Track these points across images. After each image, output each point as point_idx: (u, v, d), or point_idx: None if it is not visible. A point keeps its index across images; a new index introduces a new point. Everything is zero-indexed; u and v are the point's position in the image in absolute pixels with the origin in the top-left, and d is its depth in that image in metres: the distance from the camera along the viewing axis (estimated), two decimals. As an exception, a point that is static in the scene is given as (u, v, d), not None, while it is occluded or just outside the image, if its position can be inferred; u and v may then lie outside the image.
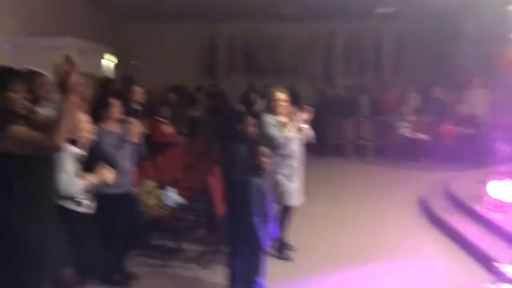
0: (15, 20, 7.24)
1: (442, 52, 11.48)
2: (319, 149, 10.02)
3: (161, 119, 6.50)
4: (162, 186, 5.04)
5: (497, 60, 9.04)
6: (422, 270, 4.60)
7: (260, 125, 4.47)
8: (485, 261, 4.50)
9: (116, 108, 4.00)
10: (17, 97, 2.49)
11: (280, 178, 4.56)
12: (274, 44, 12.62)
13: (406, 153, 9.50)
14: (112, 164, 3.54)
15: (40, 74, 3.96)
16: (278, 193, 4.49)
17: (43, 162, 2.62)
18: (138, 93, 5.50)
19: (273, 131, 4.50)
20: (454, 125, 9.33)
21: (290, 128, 4.57)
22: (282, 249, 4.74)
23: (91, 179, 3.26)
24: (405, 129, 9.77)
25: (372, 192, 7.36)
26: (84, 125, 3.32)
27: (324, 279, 4.34)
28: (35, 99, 3.88)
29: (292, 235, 4.91)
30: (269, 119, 4.57)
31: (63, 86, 2.44)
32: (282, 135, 4.51)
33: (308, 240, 5.19)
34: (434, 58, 11.50)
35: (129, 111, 5.08)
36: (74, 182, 3.12)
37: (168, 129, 6.54)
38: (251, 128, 4.22)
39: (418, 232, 5.65)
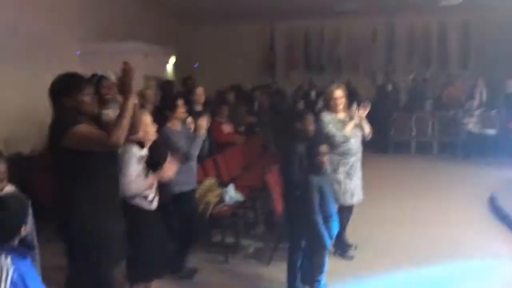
0: (83, 27, 7.66)
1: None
2: (381, 146, 9.82)
3: (220, 119, 6.62)
4: (222, 184, 5.16)
5: None
6: (492, 270, 4.38)
7: (319, 123, 4.46)
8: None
9: (181, 108, 4.15)
10: (87, 99, 2.70)
11: (340, 176, 4.51)
12: (333, 40, 12.46)
13: (473, 150, 9.06)
14: (182, 162, 3.71)
15: (106, 78, 4.20)
16: (338, 191, 4.45)
17: (109, 160, 2.81)
18: (199, 94, 5.64)
19: (332, 129, 4.47)
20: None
21: (349, 125, 4.51)
22: (342, 248, 4.70)
23: (155, 177, 3.40)
24: (472, 125, 9.31)
25: (436, 190, 7.09)
26: (149, 126, 3.48)
27: (385, 277, 4.25)
28: (103, 102, 4.15)
29: (353, 233, 4.86)
30: (327, 117, 4.54)
31: (122, 88, 2.58)
32: (340, 133, 4.47)
33: (370, 238, 5.11)
34: (504, 49, 10.84)
35: (191, 112, 5.24)
36: (138, 181, 3.26)
37: (227, 128, 6.65)
38: (310, 126, 4.22)
39: (487, 231, 5.38)
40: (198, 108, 5.60)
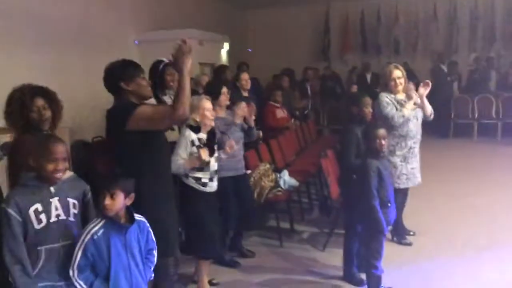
0: (141, 16, 7.87)
1: None
2: (441, 130, 9.45)
3: (274, 103, 6.62)
4: (277, 169, 5.17)
5: None
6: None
7: (376, 104, 4.34)
8: None
9: (224, 96, 4.16)
10: (144, 83, 2.83)
11: (396, 159, 4.39)
12: (390, 19, 12.01)
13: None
14: (220, 147, 3.75)
15: (166, 64, 4.29)
16: (394, 175, 4.34)
17: (166, 142, 2.92)
18: (245, 80, 5.61)
19: (390, 110, 4.32)
20: None
21: (408, 106, 4.36)
22: (400, 234, 4.59)
23: (191, 161, 3.47)
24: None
25: (499, 175, 6.75)
26: (207, 110, 3.56)
27: (443, 264, 4.13)
28: (167, 88, 4.28)
29: (412, 218, 4.76)
30: (386, 98, 4.40)
31: (176, 64, 2.64)
32: (399, 114, 4.32)
33: (428, 224, 4.97)
34: None
35: (240, 98, 5.24)
36: (175, 161, 3.35)
37: (281, 113, 6.64)
38: (367, 109, 4.13)
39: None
40: (245, 94, 5.58)
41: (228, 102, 4.22)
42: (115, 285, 2.32)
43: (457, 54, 11.20)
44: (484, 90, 9.92)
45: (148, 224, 2.50)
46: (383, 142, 3.56)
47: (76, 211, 2.37)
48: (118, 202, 2.34)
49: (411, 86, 4.57)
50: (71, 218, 2.35)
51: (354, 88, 8.26)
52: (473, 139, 9.57)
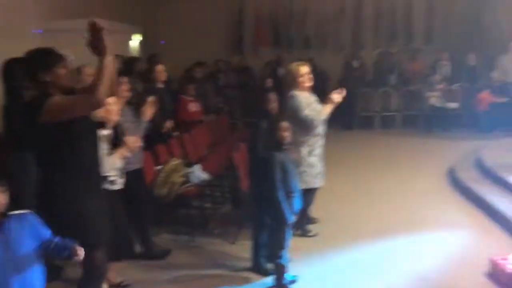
0: (44, 4, 7.39)
1: (475, 16, 11.02)
2: (347, 122, 9.97)
3: (186, 97, 6.58)
4: (188, 164, 5.16)
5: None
6: (449, 240, 4.59)
7: (293, 103, 4.41)
8: (513, 230, 4.45)
9: (124, 86, 4.04)
10: (63, 72, 2.70)
11: (315, 159, 4.52)
12: (301, 15, 12.39)
13: (436, 123, 9.31)
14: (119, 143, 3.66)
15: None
16: (312, 174, 4.48)
17: (88, 134, 2.81)
18: (160, 72, 5.56)
19: (310, 112, 4.39)
20: (489, 92, 9.04)
21: (326, 109, 4.50)
22: (306, 224, 4.76)
23: (121, 153, 3.40)
24: (434, 98, 9.54)
25: (400, 164, 7.30)
26: (111, 105, 3.45)
27: (350, 252, 4.39)
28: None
29: (319, 209, 4.96)
30: (303, 98, 4.44)
31: (95, 48, 2.54)
32: (319, 116, 4.42)
33: (335, 214, 5.23)
34: (467, 24, 11.05)
35: (152, 90, 5.18)
36: (106, 161, 3.26)
37: (194, 107, 6.62)
38: (273, 104, 4.26)
39: (446, 203, 5.60)
40: (160, 85, 5.55)
41: (128, 93, 4.10)
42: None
43: (363, 50, 11.85)
44: (385, 84, 10.60)
45: (36, 216, 2.42)
46: (285, 134, 3.71)
47: None
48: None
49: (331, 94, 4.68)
50: None
51: (269, 82, 8.43)
52: (375, 130, 10.20)
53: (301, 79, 4.47)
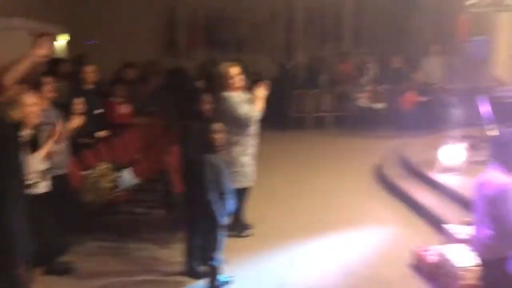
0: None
1: (400, 21, 11.60)
2: (280, 123, 10.10)
3: (116, 99, 6.37)
4: (117, 168, 4.99)
5: (452, 27, 9.25)
6: (376, 235, 4.78)
7: (226, 104, 4.39)
8: (436, 223, 4.70)
9: (48, 86, 3.88)
10: None
11: (247, 158, 4.52)
12: (235, 17, 12.44)
13: (364, 123, 9.66)
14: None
15: None
16: (246, 174, 4.49)
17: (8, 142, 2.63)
18: (89, 73, 5.37)
19: (243, 110, 4.38)
20: (413, 93, 9.53)
21: (258, 106, 4.50)
22: (240, 226, 4.78)
23: (43, 153, 3.23)
24: (363, 99, 9.91)
25: (330, 163, 7.49)
26: (30, 107, 3.26)
27: (282, 252, 4.44)
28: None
29: (252, 209, 4.96)
30: (235, 98, 4.43)
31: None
32: (252, 114, 4.41)
33: (268, 214, 5.28)
34: (392, 27, 11.61)
35: (79, 92, 4.98)
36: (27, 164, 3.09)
37: (123, 109, 6.42)
38: (206, 106, 4.22)
39: (373, 199, 5.84)
40: (89, 87, 5.35)
41: (52, 94, 3.92)
42: None
43: (296, 53, 12.10)
44: (316, 86, 10.86)
45: None
46: (218, 136, 3.69)
47: None
48: None
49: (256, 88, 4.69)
50: None
51: (202, 84, 8.35)
52: (308, 130, 10.37)
53: (231, 80, 4.47)
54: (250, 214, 4.95)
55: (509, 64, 8.39)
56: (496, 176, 2.74)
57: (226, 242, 3.87)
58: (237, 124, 4.29)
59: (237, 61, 4.82)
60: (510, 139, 2.79)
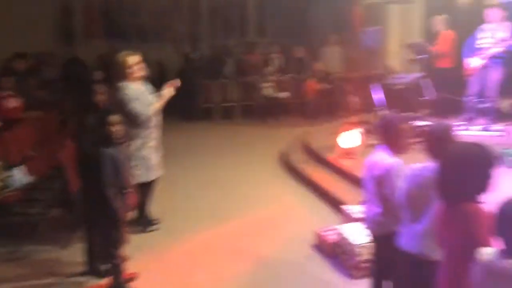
0: None
1: (301, 12, 11.96)
2: (187, 114, 9.99)
3: (2, 92, 5.86)
4: (8, 167, 4.62)
5: (349, 18, 9.74)
6: (282, 219, 4.93)
7: (123, 96, 4.23)
8: (336, 204, 4.96)
9: None
10: None
11: (149, 151, 4.40)
12: (136, 6, 11.99)
13: (270, 112, 9.88)
14: None
15: None
16: (148, 167, 4.36)
17: None
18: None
19: (137, 104, 4.25)
20: (314, 82, 9.90)
21: (161, 100, 4.39)
22: (145, 221, 4.66)
23: None
24: (268, 89, 10.11)
25: (237, 152, 7.57)
26: None
27: (192, 243, 4.41)
28: None
29: (159, 202, 4.87)
30: (132, 90, 4.29)
31: None
32: (147, 110, 4.29)
33: (176, 206, 5.23)
34: (294, 18, 11.94)
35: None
36: None
37: (12, 102, 5.92)
38: (100, 97, 4.03)
39: (279, 185, 6.01)
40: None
41: None
42: None
43: (201, 43, 11.99)
44: (223, 76, 10.88)
45: None
46: (115, 128, 3.55)
47: None
48: None
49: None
50: None
51: (99, 75, 7.97)
52: (216, 120, 10.37)
53: (129, 69, 4.33)
54: (156, 208, 4.84)
55: (400, 54, 9.02)
56: (382, 158, 2.94)
57: (130, 238, 3.75)
58: (129, 118, 4.16)
59: (137, 50, 4.64)
60: (393, 122, 3.00)
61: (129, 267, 3.67)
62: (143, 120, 4.30)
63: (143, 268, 3.82)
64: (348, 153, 5.96)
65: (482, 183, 2.08)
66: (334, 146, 6.12)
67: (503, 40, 6.11)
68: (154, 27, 12.10)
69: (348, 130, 6.18)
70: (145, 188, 4.41)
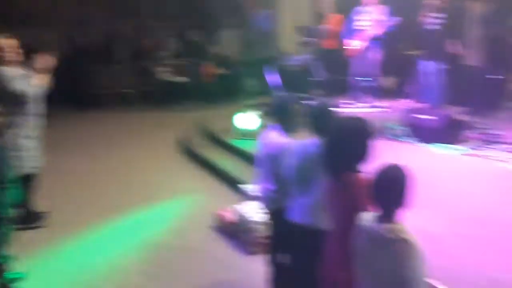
0: None
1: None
2: (78, 102, 9.40)
3: None
4: None
5: (245, 1, 9.81)
6: (182, 204, 4.89)
7: (1, 78, 3.92)
8: (234, 184, 5.03)
9: None
10: None
11: (32, 142, 4.12)
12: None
13: (168, 97, 9.67)
14: None
15: None
16: (25, 157, 4.06)
17: None
18: None
19: (19, 86, 3.96)
20: (211, 65, 9.87)
21: (34, 80, 4.07)
22: (30, 216, 4.35)
23: None
24: (165, 73, 9.89)
25: (134, 140, 7.33)
26: None
27: (86, 237, 4.23)
28: None
29: (46, 198, 4.57)
30: (7, 72, 3.99)
31: None
32: (29, 90, 4.00)
33: (65, 202, 4.92)
34: (190, 1, 11.71)
35: None
36: None
37: None
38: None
39: (179, 170, 5.95)
40: None
41: None
42: None
43: (90, 26, 11.29)
44: (114, 61, 10.37)
45: None
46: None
47: None
48: None
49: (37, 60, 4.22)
50: None
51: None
52: (111, 108, 9.86)
53: (2, 53, 4.04)
54: (45, 203, 4.52)
55: (292, 36, 9.28)
56: (275, 137, 3.01)
57: (16, 236, 3.47)
58: (12, 102, 3.84)
59: (13, 34, 4.27)
60: (286, 103, 3.08)
61: (15, 267, 3.40)
62: (26, 101, 4.02)
63: (30, 267, 3.56)
64: (246, 134, 6.05)
65: (361, 153, 2.22)
66: (232, 128, 6.17)
67: (380, 22, 6.56)
68: (36, 11, 11.16)
69: (244, 113, 6.27)
70: (27, 181, 4.13)
